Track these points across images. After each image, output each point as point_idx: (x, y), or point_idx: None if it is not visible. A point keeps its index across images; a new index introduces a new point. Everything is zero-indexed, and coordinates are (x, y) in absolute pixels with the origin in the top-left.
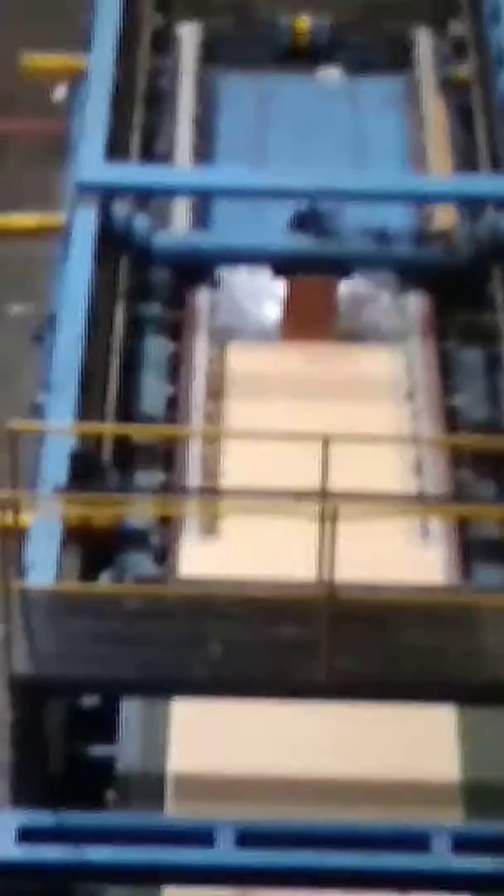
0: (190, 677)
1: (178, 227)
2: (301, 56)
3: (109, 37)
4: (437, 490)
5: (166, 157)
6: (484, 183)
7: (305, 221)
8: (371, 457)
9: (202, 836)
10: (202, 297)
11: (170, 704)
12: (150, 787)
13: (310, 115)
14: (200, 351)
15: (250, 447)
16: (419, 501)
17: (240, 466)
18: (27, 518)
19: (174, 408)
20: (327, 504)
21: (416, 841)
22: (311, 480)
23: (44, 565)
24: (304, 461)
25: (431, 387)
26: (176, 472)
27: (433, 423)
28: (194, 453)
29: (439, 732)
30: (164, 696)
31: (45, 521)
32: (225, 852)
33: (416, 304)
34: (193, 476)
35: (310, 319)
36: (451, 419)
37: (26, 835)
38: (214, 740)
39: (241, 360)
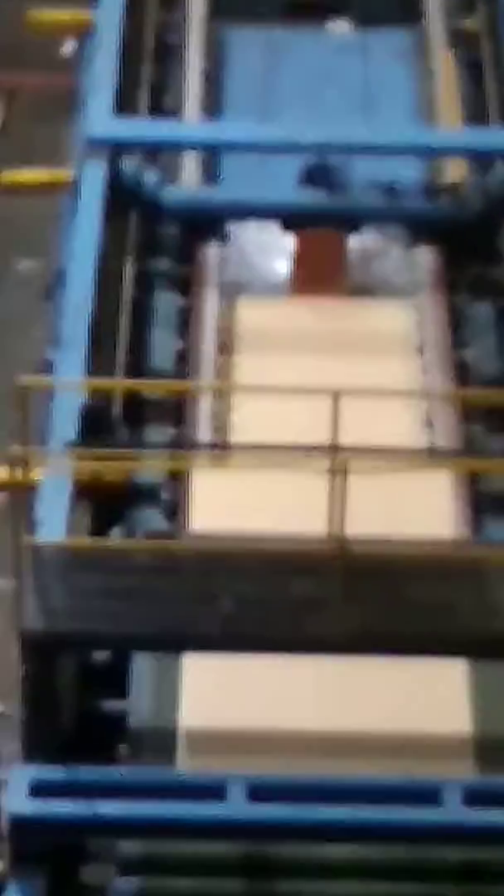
0: (201, 632)
1: (188, 182)
2: (310, 9)
3: None
4: (447, 445)
5: (175, 112)
6: (494, 136)
7: (315, 176)
8: (381, 411)
9: (213, 791)
10: (212, 252)
11: (181, 659)
12: (162, 741)
13: (319, 69)
14: (210, 306)
15: (260, 402)
16: (430, 456)
17: (250, 421)
18: (38, 474)
19: (184, 363)
20: (338, 458)
21: (428, 794)
22: (321, 435)
23: (54, 521)
24: (315, 416)
25: (441, 341)
26: (186, 427)
27: (443, 378)
28: (204, 408)
29: (451, 687)
30: (175, 651)
31: (55, 478)
32: (236, 806)
33: (425, 258)
34: (204, 431)
35: (320, 274)
36: (462, 374)
37: (39, 790)
38: (225, 695)
39: (251, 314)
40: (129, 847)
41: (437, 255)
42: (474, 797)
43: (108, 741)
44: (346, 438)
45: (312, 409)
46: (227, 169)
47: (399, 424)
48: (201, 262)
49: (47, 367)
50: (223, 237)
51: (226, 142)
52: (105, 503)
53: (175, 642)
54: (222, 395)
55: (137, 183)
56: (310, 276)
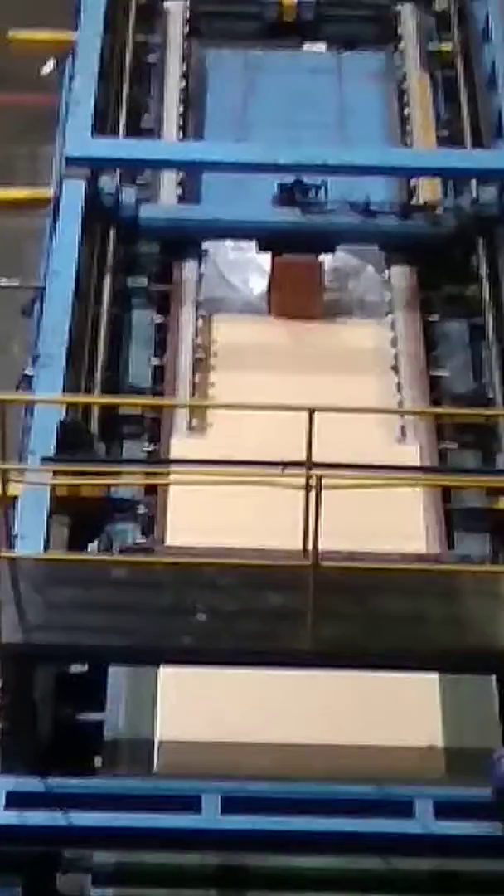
0: (176, 645)
1: (166, 201)
2: (287, 31)
3: (97, 12)
4: (420, 461)
5: (153, 132)
6: (467, 157)
7: (290, 195)
8: (356, 428)
9: (188, 802)
10: (189, 270)
11: (157, 671)
12: (138, 752)
13: (296, 90)
14: (187, 323)
15: (236, 418)
16: (403, 472)
17: (225, 438)
18: (16, 488)
19: (161, 379)
20: (312, 474)
21: (400, 806)
22: (296, 452)
23: (32, 535)
24: (290, 432)
25: (416, 359)
26: (162, 442)
27: (418, 395)
28: (180, 424)
29: (423, 699)
30: (150, 664)
31: (33, 492)
32: (210, 818)
33: (400, 277)
34: (179, 447)
35: (295, 300)
36: (436, 390)
37: (15, 800)
38: (201, 707)
39: (228, 332)
40: (104, 857)
41: (412, 274)
42: (445, 808)
43: (85, 752)
44: (321, 455)
45: (288, 425)
46: (205, 188)
47: (373, 441)
48: (178, 279)
49: (26, 383)
50: (200, 256)
51: (203, 161)
52: (82, 517)
53: (151, 655)
54: (198, 411)
55: (116, 202)
56: (286, 300)
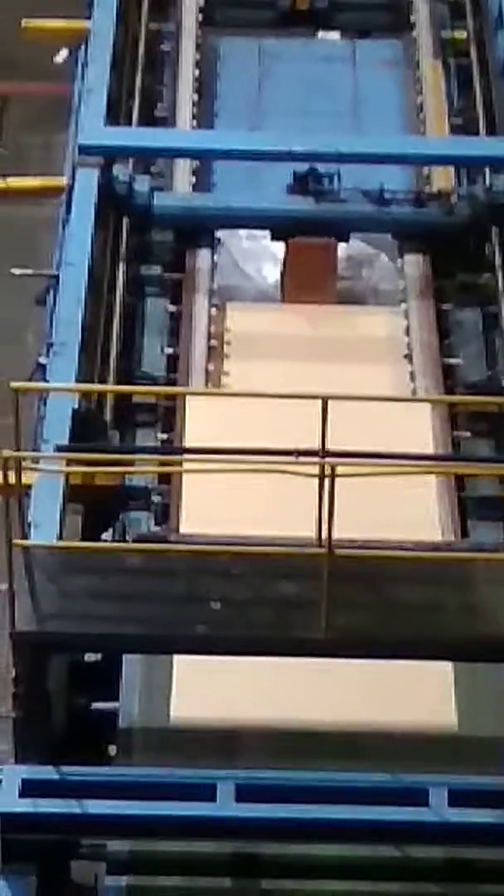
0: (190, 634)
1: (179, 190)
2: (301, 20)
3: (111, 1)
4: (434, 449)
5: (167, 121)
6: (481, 145)
7: (304, 184)
8: (370, 416)
9: (203, 791)
10: (202, 259)
11: (171, 660)
12: (152, 741)
13: (309, 79)
14: (200, 312)
15: (250, 407)
16: (417, 460)
17: (240, 426)
18: (30, 477)
19: (175, 368)
20: (325, 462)
21: (415, 795)
22: (310, 440)
23: (46, 524)
24: (304, 421)
25: (430, 347)
26: (176, 431)
27: (431, 384)
28: (195, 413)
29: (438, 687)
30: (164, 652)
31: (47, 481)
32: (225, 806)
33: (414, 265)
34: (194, 435)
35: (309, 282)
36: (450, 379)
37: (30, 789)
38: (215, 695)
39: (241, 321)
40: (119, 846)
41: (425, 262)
42: (460, 797)
43: (99, 741)
44: (335, 443)
45: (302, 414)
46: (218, 177)
47: (387, 429)
48: (192, 268)
49: (40, 372)
50: (214, 244)
51: (216, 150)
52: (96, 506)
53: (165, 644)
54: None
55: (129, 190)
56: (300, 285)
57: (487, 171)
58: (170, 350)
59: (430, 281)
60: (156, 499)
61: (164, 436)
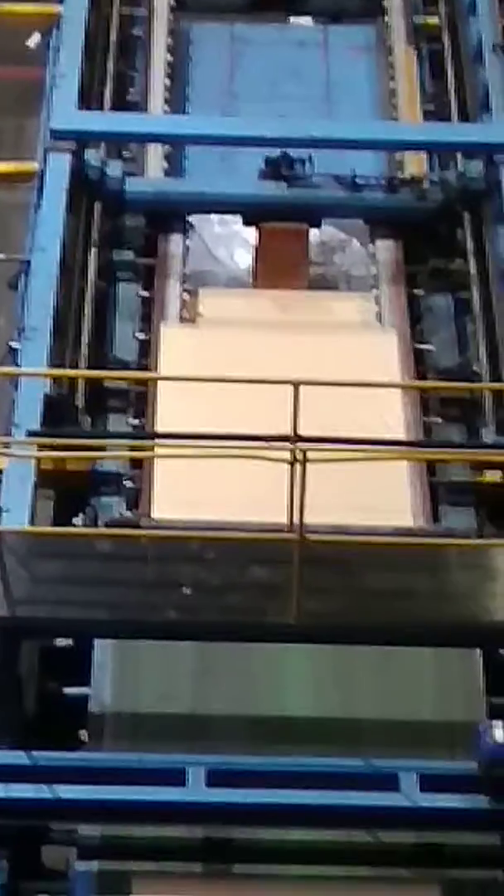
0: (161, 619)
1: (152, 175)
2: (273, 5)
3: None
4: (406, 434)
5: (139, 106)
6: (453, 130)
7: (276, 169)
8: (341, 402)
9: (174, 776)
10: (174, 244)
11: (142, 645)
12: (123, 726)
13: (281, 64)
14: (172, 297)
15: (222, 391)
16: (388, 445)
17: (210, 411)
18: (1, 462)
19: (146, 353)
20: (297, 448)
21: (386, 779)
22: (282, 425)
23: (17, 509)
24: (275, 405)
25: (401, 333)
26: (147, 416)
27: (404, 369)
28: (167, 397)
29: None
30: (136, 637)
31: (18, 466)
32: (196, 791)
33: (385, 250)
34: (165, 420)
35: (281, 267)
36: (421, 364)
37: (0, 774)
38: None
39: (213, 305)
40: (90, 830)
41: (397, 248)
42: (430, 782)
43: (70, 726)
44: (307, 428)
45: (273, 398)
46: (190, 162)
47: (358, 414)
48: (164, 253)
49: (11, 357)
50: (186, 229)
51: (188, 135)
52: (68, 491)
53: (136, 629)
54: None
55: (102, 175)
56: (271, 270)
57: (459, 156)
58: (142, 335)
59: (402, 266)
60: (127, 484)
61: (136, 421)
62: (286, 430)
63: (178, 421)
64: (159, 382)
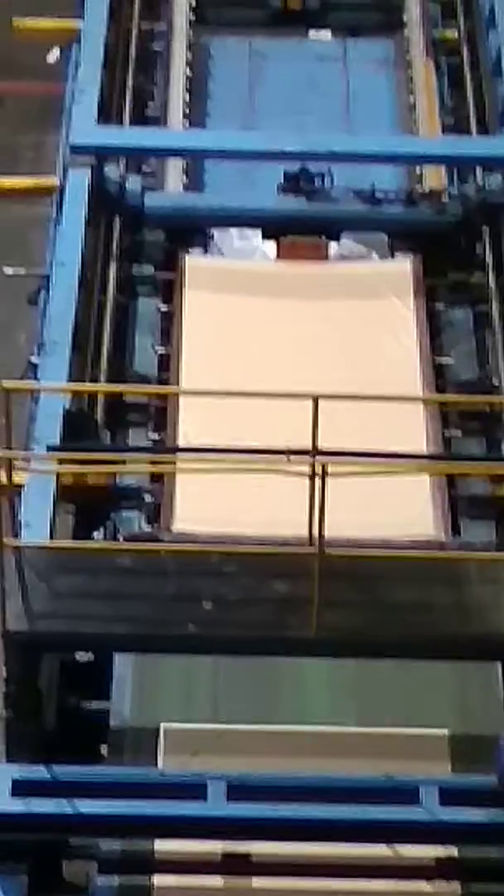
0: (181, 634)
1: (171, 189)
2: (293, 19)
3: (102, 1)
4: (426, 448)
5: (158, 120)
6: (472, 144)
7: (295, 183)
8: (363, 415)
9: (194, 790)
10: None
11: (162, 659)
12: (143, 741)
13: (300, 78)
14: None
15: (243, 405)
16: (409, 459)
17: (231, 423)
18: (21, 477)
19: (166, 367)
20: (317, 462)
21: (406, 794)
22: (301, 436)
23: (38, 524)
24: (295, 418)
25: (421, 346)
26: (168, 430)
27: (423, 382)
28: (186, 412)
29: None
30: (155, 652)
31: (39, 480)
32: (216, 806)
33: (405, 264)
34: (184, 434)
35: None
36: (441, 378)
37: (21, 788)
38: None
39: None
40: (111, 845)
41: (417, 261)
42: (450, 796)
43: (90, 741)
44: (327, 438)
45: (293, 412)
46: (210, 176)
47: (379, 427)
48: (183, 267)
49: (31, 371)
50: (206, 244)
51: (207, 150)
52: (88, 506)
53: (156, 643)
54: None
55: (121, 190)
56: None
57: (479, 170)
58: (161, 349)
59: (421, 280)
60: (147, 498)
61: (156, 435)
62: (308, 426)
63: (199, 415)
64: (182, 369)
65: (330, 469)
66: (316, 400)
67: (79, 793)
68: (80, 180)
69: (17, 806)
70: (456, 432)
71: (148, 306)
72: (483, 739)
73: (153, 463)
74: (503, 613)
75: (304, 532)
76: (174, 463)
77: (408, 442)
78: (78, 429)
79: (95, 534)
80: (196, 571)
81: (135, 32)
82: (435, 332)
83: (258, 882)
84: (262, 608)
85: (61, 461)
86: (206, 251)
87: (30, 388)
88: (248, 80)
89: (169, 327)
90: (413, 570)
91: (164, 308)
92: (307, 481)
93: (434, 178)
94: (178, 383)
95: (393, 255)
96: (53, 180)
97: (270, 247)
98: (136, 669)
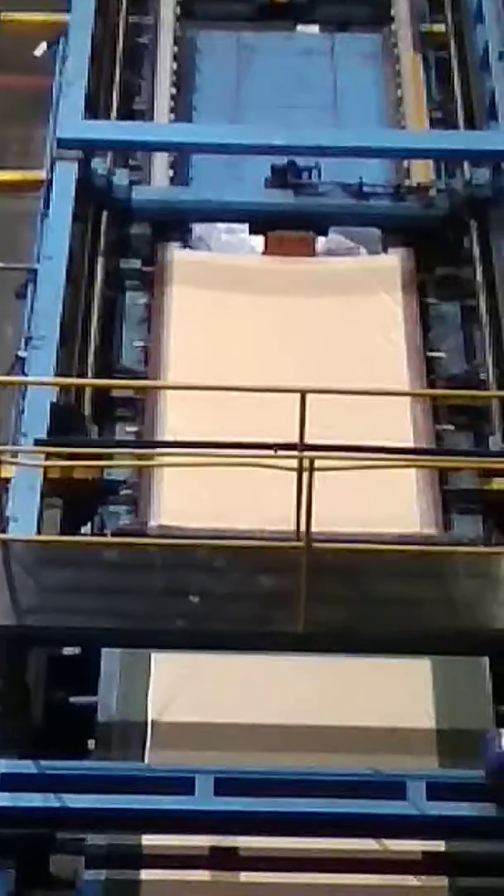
0: (169, 628)
1: (158, 183)
2: (280, 13)
3: None
4: (416, 442)
5: (145, 114)
6: (460, 138)
7: (283, 177)
8: (350, 410)
9: (182, 784)
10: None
11: (150, 654)
12: (131, 735)
13: (288, 72)
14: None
15: (230, 399)
16: (397, 453)
17: (219, 418)
18: (8, 471)
19: (154, 362)
20: (304, 456)
21: (393, 788)
22: (289, 431)
23: (25, 518)
24: (283, 413)
25: (413, 340)
26: (155, 424)
27: (414, 377)
28: (171, 405)
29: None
30: (143, 646)
31: (25, 474)
32: (204, 800)
33: (394, 259)
34: (170, 428)
35: None
36: (431, 372)
37: (8, 783)
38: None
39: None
40: (98, 839)
41: (407, 256)
42: (438, 790)
43: (78, 735)
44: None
45: (280, 407)
46: (196, 170)
47: (367, 420)
48: (171, 261)
49: (19, 365)
50: (192, 238)
51: (195, 144)
52: (75, 500)
53: (143, 638)
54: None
55: (108, 184)
56: None
57: (466, 164)
58: (149, 343)
59: (411, 275)
60: (135, 492)
61: (143, 429)
62: (295, 421)
63: (186, 409)
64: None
65: (317, 463)
66: (303, 394)
67: (66, 787)
68: (67, 174)
69: (4, 800)
70: (447, 426)
71: (135, 300)
72: (470, 734)
73: (140, 457)
74: (491, 608)
75: (292, 527)
76: (161, 457)
77: (395, 437)
78: (65, 423)
79: (83, 528)
80: (183, 566)
81: (122, 26)
82: (424, 327)
83: (246, 876)
84: (249, 603)
85: (48, 455)
86: (185, 246)
87: (17, 381)
88: (235, 75)
89: (157, 321)
90: (401, 565)
91: (152, 302)
92: (294, 476)
93: (422, 172)
94: (165, 378)
95: (386, 251)
96: (40, 174)
97: (258, 241)
98: (124, 664)
